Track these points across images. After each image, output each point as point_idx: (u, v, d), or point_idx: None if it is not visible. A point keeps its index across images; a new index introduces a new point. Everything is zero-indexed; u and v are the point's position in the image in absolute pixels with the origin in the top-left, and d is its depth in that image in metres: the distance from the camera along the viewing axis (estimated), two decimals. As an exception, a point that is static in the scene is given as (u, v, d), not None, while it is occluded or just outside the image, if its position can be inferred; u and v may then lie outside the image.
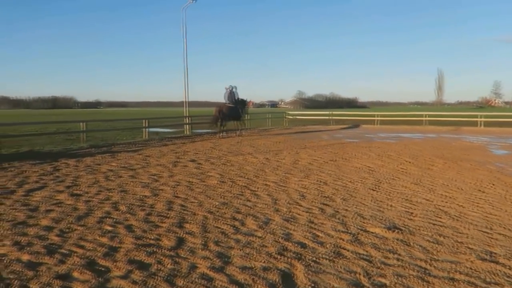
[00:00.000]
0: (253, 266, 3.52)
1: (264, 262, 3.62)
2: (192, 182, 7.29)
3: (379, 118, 28.08)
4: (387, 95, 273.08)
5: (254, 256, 3.75)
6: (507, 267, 3.52)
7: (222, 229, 4.58)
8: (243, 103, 17.97)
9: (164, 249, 3.92)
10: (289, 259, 3.68)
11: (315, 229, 4.59)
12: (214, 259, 3.66)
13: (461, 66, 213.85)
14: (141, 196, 6.16)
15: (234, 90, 17.35)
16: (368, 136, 18.45)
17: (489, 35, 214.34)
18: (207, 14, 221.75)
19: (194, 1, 20.04)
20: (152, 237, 4.27)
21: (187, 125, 19.57)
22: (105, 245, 4.01)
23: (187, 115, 20.38)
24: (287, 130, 22.36)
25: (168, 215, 5.11)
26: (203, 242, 4.12)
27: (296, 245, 4.06)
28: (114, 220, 4.90)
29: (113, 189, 6.69)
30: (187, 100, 20.20)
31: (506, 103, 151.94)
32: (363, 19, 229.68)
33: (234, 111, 17.24)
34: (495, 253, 3.84)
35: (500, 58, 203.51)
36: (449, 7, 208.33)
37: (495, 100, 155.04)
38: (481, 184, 7.12)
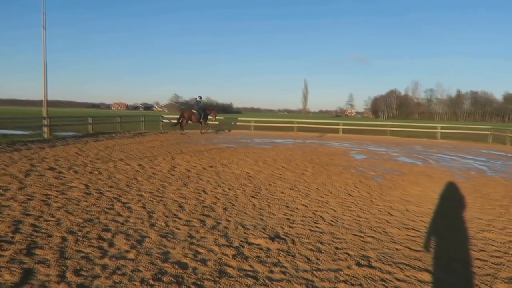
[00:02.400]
0: (124, 299, 2.96)
1: (138, 291, 3.08)
2: (50, 195, 6.16)
3: (254, 124, 29.08)
4: (259, 102, 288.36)
5: (125, 285, 3.18)
6: (381, 270, 3.66)
7: (86, 253, 3.85)
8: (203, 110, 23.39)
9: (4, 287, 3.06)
10: (167, 285, 3.21)
11: (196, 244, 4.19)
12: (74, 294, 2.98)
13: (323, 79, 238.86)
14: (-23, 216, 4.91)
15: (198, 100, 23.26)
16: (244, 141, 18.79)
17: (346, 53, 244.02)
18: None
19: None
20: (-12, 272, 3.33)
21: (47, 127, 17.14)
22: None
23: (47, 116, 17.86)
24: (162, 135, 21.44)
25: (13, 240, 4.11)
26: (59, 273, 3.35)
27: (176, 266, 3.60)
28: None
29: None
30: (46, 99, 17.68)
31: (358, 113, 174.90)
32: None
33: (198, 116, 22.82)
34: (370, 257, 3.99)
35: (354, 73, 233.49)
36: (315, 26, 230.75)
37: (350, 110, 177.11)
38: (349, 188, 7.66)
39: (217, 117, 25.12)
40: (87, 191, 6.51)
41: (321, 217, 5.50)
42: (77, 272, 3.38)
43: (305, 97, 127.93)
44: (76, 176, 7.84)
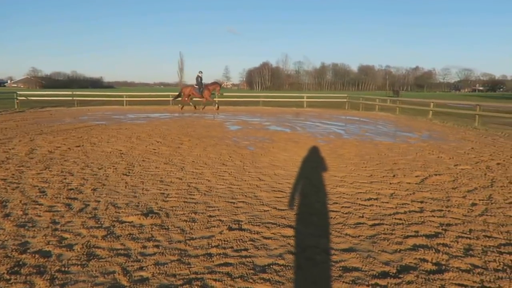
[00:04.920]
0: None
1: (-10, 289, 2.77)
2: None
3: (127, 99, 27.54)
4: (133, 75, 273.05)
5: (-27, 284, 2.82)
6: (250, 231, 3.95)
7: None
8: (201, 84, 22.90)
9: None
10: (28, 277, 2.95)
11: (61, 230, 3.90)
12: None
13: (199, 51, 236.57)
14: None
15: (200, 75, 22.69)
16: (116, 117, 17.74)
17: (222, 25, 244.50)
18: None
19: None
20: None
21: None
22: None
23: None
24: (19, 114, 18.88)
25: None
26: None
27: (37, 255, 3.31)
28: None
29: None
30: None
31: (234, 84, 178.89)
32: None
33: (198, 91, 22.66)
34: (241, 221, 4.26)
35: (230, 45, 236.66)
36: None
37: (226, 82, 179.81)
38: (223, 158, 7.92)
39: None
40: None
41: (196, 188, 5.61)
42: None
43: (181, 70, 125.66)
44: None
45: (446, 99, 28.05)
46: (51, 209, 4.56)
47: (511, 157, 8.24)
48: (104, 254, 3.39)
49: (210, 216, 4.42)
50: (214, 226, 4.09)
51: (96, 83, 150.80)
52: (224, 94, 29.76)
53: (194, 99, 23.64)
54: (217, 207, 4.76)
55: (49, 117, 17.28)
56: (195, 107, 23.94)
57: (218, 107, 23.95)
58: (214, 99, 24.59)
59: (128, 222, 4.19)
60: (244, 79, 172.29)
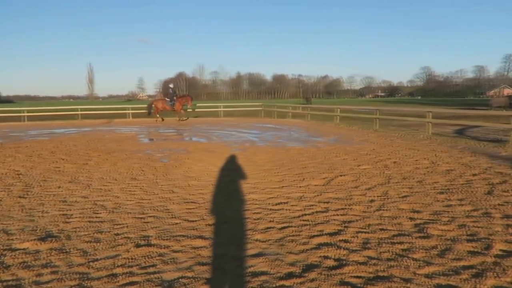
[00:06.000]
0: None
1: None
2: None
3: (27, 114, 25.24)
4: (37, 89, 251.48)
5: None
6: (159, 246, 3.83)
7: None
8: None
9: None
10: None
11: None
12: None
13: (111, 62, 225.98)
14: None
15: (171, 87, 24.05)
16: (15, 135, 16.13)
17: (133, 36, 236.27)
18: None
19: None
20: None
21: None
22: None
23: None
24: None
25: None
26: None
27: None
28: None
29: None
30: None
31: (150, 96, 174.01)
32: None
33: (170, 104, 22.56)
34: (150, 236, 4.11)
35: (143, 56, 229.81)
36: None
37: (141, 93, 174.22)
38: (135, 172, 7.61)
39: None
40: None
41: (102, 206, 5.30)
42: None
43: (91, 82, 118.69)
44: None
45: (352, 105, 30.31)
46: None
47: (405, 156, 9.15)
48: (-10, 288, 3.03)
49: (116, 234, 4.20)
50: (121, 245, 3.89)
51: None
52: (137, 106, 28.73)
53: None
54: (125, 224, 4.54)
55: None
56: (163, 119, 23.50)
57: (180, 119, 23.42)
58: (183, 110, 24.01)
59: (22, 249, 3.81)
60: (160, 90, 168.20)
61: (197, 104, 28.77)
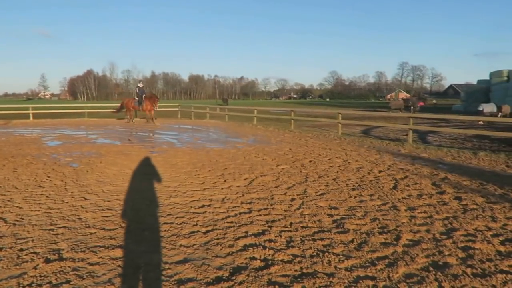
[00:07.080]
0: None
1: None
2: None
3: None
4: None
5: None
6: (73, 260, 3.50)
7: None
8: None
9: None
10: None
11: None
12: None
13: (5, 57, 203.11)
14: None
15: (140, 86, 21.96)
16: None
17: (31, 27, 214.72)
18: None
19: None
20: None
21: None
22: None
23: None
24: None
25: None
26: None
27: None
28: None
29: None
30: None
31: (54, 95, 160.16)
32: None
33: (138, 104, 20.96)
34: (61, 249, 3.74)
35: (45, 52, 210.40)
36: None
37: (44, 92, 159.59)
38: (39, 179, 6.90)
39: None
40: None
41: (1, 218, 4.70)
42: None
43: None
44: None
45: (268, 106, 31.14)
46: None
47: (319, 155, 9.63)
48: None
49: (20, 249, 3.74)
50: (27, 261, 3.47)
51: None
52: (40, 106, 26.19)
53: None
54: (31, 237, 4.07)
55: None
56: (134, 121, 22.09)
57: (148, 121, 21.51)
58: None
59: None
60: (66, 88, 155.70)
61: (109, 105, 27.06)
